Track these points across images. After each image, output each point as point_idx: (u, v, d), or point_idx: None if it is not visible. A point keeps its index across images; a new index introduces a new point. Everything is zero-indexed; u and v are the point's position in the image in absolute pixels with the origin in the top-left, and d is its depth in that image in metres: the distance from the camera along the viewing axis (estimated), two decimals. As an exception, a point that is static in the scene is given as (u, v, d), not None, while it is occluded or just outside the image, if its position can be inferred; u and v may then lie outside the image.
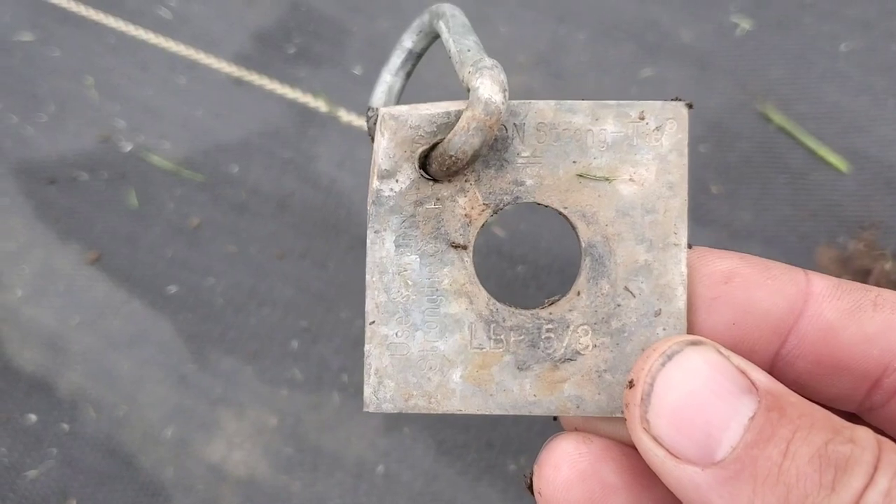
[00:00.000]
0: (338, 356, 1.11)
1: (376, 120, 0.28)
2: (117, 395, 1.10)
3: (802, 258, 1.17)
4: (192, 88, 1.30)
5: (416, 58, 0.33)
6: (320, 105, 1.27)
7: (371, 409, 0.27)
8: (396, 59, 0.32)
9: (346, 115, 1.26)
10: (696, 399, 0.23)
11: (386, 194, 0.27)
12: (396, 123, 0.27)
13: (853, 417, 0.28)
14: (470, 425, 1.07)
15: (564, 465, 0.26)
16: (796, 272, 0.27)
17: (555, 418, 0.29)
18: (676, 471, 0.23)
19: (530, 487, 0.27)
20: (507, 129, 0.27)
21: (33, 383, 1.11)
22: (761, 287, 0.26)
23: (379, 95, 0.32)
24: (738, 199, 1.20)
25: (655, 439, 0.23)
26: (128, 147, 1.26)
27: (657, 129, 0.27)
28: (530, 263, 1.16)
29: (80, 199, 1.23)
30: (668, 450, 0.23)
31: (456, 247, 0.28)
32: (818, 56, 1.29)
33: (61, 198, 1.23)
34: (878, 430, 0.27)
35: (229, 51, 1.32)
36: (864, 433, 0.21)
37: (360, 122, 1.24)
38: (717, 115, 1.26)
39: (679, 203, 0.27)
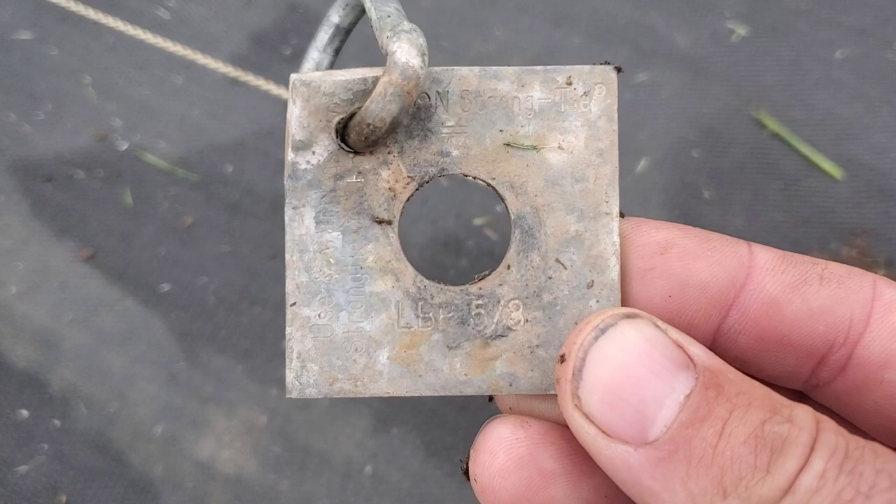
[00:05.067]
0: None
1: (289, 90, 0.26)
2: (108, 392, 1.10)
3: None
4: (189, 88, 1.31)
5: (344, 33, 0.31)
6: (315, 106, 1.27)
7: (294, 394, 0.26)
8: (324, 34, 0.31)
9: (340, 117, 1.26)
10: (630, 375, 0.22)
11: (303, 167, 0.26)
12: (308, 90, 0.25)
13: (800, 395, 0.28)
14: (458, 427, 1.08)
15: (501, 450, 0.25)
16: (738, 244, 0.26)
17: (490, 398, 0.28)
18: (608, 450, 0.22)
19: (466, 473, 0.26)
20: (430, 98, 0.26)
21: (25, 379, 1.12)
22: (700, 258, 0.25)
23: (305, 72, 0.30)
24: (731, 204, 1.20)
25: (587, 417, 0.22)
26: (124, 146, 1.27)
27: (585, 94, 0.26)
28: (521, 266, 1.16)
29: (75, 196, 1.23)
30: (599, 428, 0.22)
31: (380, 222, 0.26)
32: (813, 63, 1.30)
33: (57, 195, 1.24)
34: (825, 409, 0.27)
35: (226, 51, 1.33)
36: (802, 412, 0.21)
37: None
38: (710, 120, 1.26)
39: (610, 170, 0.26)
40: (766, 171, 1.23)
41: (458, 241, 1.18)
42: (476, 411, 1.07)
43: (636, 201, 1.17)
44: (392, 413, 1.08)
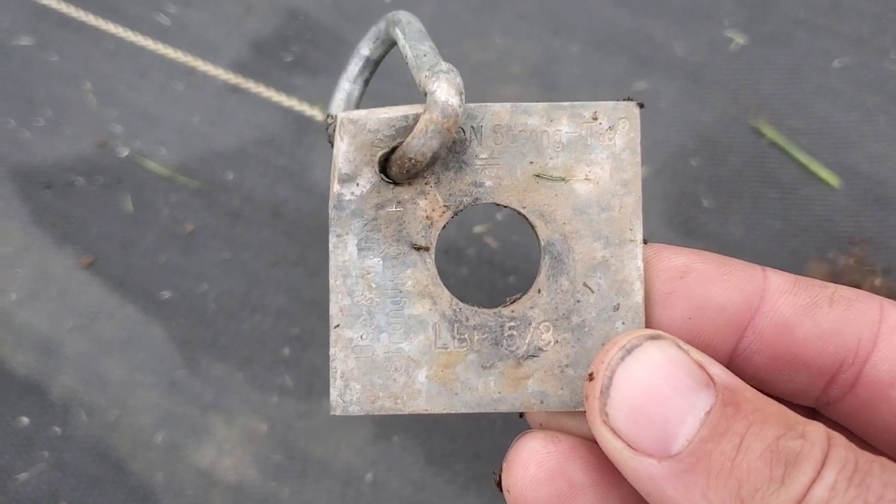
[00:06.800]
0: (328, 364, 1.11)
1: (336, 127, 0.28)
2: (109, 400, 1.11)
3: (793, 273, 1.17)
4: (189, 95, 1.31)
5: (373, 65, 0.33)
6: (316, 113, 1.28)
7: (338, 412, 0.27)
8: (354, 66, 0.32)
9: (341, 124, 1.27)
10: (655, 392, 0.23)
11: (347, 198, 0.27)
12: (355, 127, 0.27)
13: (813, 412, 0.29)
14: (458, 435, 1.08)
15: (532, 463, 0.27)
16: (753, 268, 0.27)
17: (521, 415, 0.29)
18: (633, 462, 0.23)
19: (499, 484, 0.28)
20: (464, 132, 0.27)
21: (26, 386, 1.12)
22: (717, 282, 0.27)
23: (338, 103, 0.33)
24: (730, 213, 1.21)
25: (614, 431, 0.24)
26: (124, 152, 1.27)
27: (610, 128, 0.27)
28: (521, 274, 1.17)
29: (75, 203, 1.24)
30: (626, 442, 0.23)
31: (418, 248, 0.28)
32: (811, 71, 1.30)
33: (57, 202, 1.24)
34: (836, 425, 0.28)
35: (227, 58, 1.33)
36: (814, 428, 0.22)
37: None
38: (709, 128, 1.27)
39: (633, 200, 0.28)
40: (764, 180, 1.23)
41: (459, 249, 1.18)
42: (476, 420, 1.08)
43: (635, 210, 1.18)
44: (392, 421, 1.08)
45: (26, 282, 1.19)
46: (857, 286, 1.28)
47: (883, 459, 0.21)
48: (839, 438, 0.22)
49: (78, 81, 1.33)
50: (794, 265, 1.18)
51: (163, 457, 1.07)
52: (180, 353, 1.13)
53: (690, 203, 1.21)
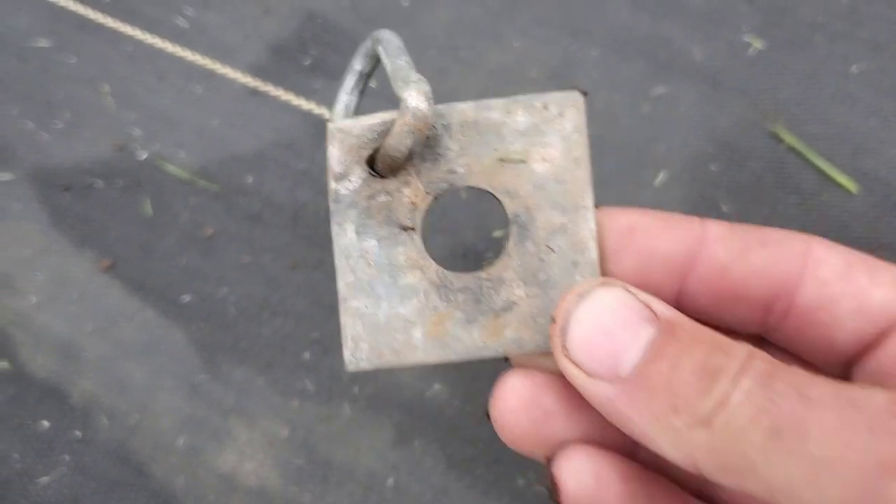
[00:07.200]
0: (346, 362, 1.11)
1: (326, 136, 0.33)
2: (130, 403, 1.11)
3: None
4: (208, 98, 1.31)
5: (366, 77, 0.37)
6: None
7: (351, 368, 0.32)
8: (350, 80, 0.37)
9: (360, 128, 1.26)
10: (605, 328, 0.28)
11: (343, 193, 0.32)
12: (342, 134, 0.32)
13: (761, 340, 0.33)
14: (478, 440, 1.08)
15: (512, 396, 0.32)
16: (692, 220, 0.31)
17: (506, 359, 0.34)
18: (591, 386, 0.27)
19: (487, 416, 0.32)
20: (437, 129, 0.32)
21: (46, 390, 1.12)
22: (660, 236, 0.31)
23: (339, 112, 0.38)
24: (749, 218, 1.21)
25: (574, 363, 0.28)
26: (143, 155, 1.27)
27: (560, 115, 0.32)
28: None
29: (94, 206, 1.23)
30: (584, 370, 0.28)
31: (406, 229, 0.32)
32: (829, 77, 1.30)
33: (76, 205, 1.24)
34: (782, 348, 0.33)
35: (245, 61, 1.33)
36: (738, 347, 0.25)
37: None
38: (727, 133, 1.27)
39: (584, 173, 0.32)
40: (782, 186, 1.23)
41: (477, 252, 1.18)
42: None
43: (655, 215, 1.18)
44: (413, 426, 1.08)
45: (46, 285, 1.19)
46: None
47: (795, 368, 0.25)
48: (760, 354, 0.25)
49: (96, 84, 1.33)
50: (813, 271, 1.18)
51: (184, 461, 1.07)
52: (201, 357, 1.13)
53: (710, 208, 1.21)
